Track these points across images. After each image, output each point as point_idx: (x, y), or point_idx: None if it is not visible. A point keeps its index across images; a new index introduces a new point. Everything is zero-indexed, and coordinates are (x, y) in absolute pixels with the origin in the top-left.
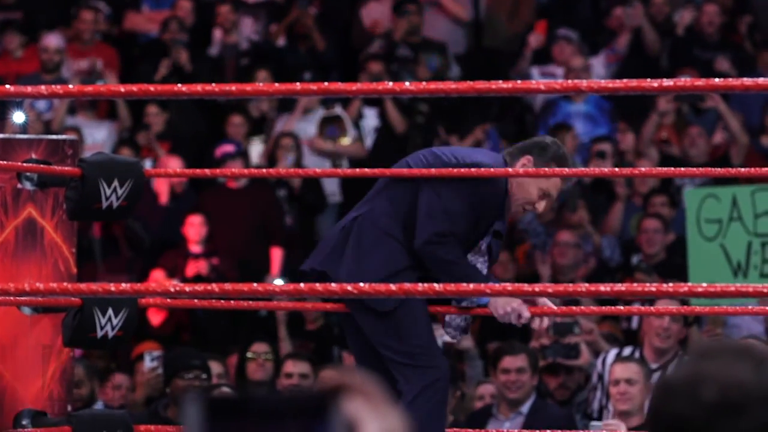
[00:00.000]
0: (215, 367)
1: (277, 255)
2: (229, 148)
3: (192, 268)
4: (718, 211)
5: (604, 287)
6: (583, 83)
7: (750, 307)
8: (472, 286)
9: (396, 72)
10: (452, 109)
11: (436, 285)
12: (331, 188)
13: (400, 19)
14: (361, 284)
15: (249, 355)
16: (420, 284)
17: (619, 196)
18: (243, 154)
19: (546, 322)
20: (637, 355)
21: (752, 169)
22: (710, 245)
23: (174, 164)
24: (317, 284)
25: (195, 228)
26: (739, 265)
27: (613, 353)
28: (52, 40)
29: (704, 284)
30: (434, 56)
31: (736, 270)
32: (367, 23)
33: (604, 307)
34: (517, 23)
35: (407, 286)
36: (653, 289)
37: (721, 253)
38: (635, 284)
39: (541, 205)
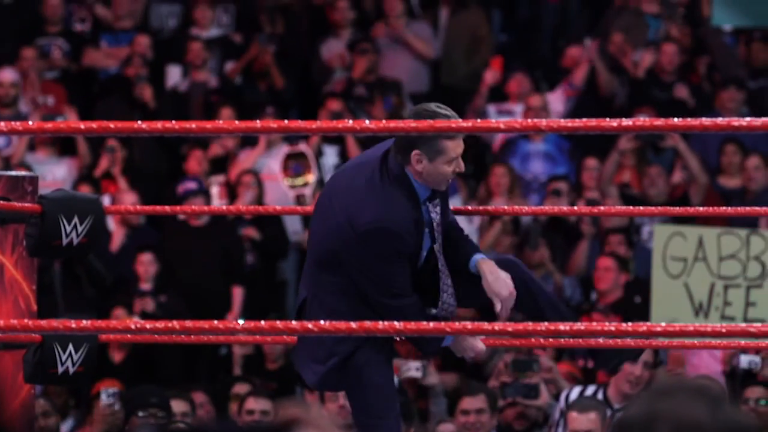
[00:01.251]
0: (179, 405)
1: (238, 294)
2: (191, 185)
3: (137, 306)
4: (684, 249)
5: (563, 326)
6: (543, 122)
7: (709, 341)
8: (432, 325)
9: (353, 110)
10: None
11: (396, 324)
12: (294, 226)
13: (358, 57)
14: (322, 322)
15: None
16: (380, 323)
17: (584, 235)
18: (205, 192)
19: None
20: (600, 395)
21: (710, 208)
22: (674, 282)
23: (130, 200)
24: (278, 322)
25: (144, 266)
26: (701, 305)
27: (576, 391)
28: (7, 75)
29: (663, 323)
30: (390, 95)
31: (697, 310)
32: (326, 59)
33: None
34: (476, 61)
35: (368, 324)
36: (612, 328)
37: (684, 291)
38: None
39: (460, 166)
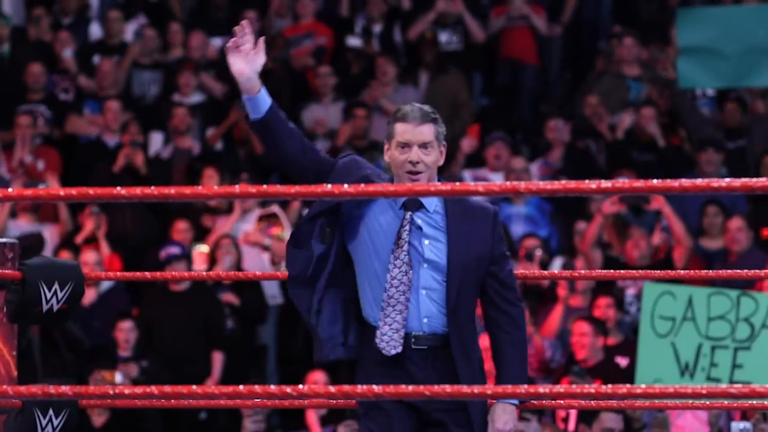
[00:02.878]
0: None
1: (218, 359)
2: (174, 249)
3: (121, 371)
4: (672, 309)
5: (543, 389)
6: (522, 185)
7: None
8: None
9: None
10: None
11: (375, 387)
12: (272, 290)
13: (346, 122)
14: (300, 386)
15: None
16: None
17: (560, 298)
18: (187, 257)
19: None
20: None
21: (692, 271)
22: (661, 341)
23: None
24: (256, 386)
25: (124, 333)
26: (687, 366)
27: None
28: None
29: (644, 385)
30: (379, 159)
31: (683, 370)
32: (308, 124)
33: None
34: (456, 125)
35: (346, 388)
36: (592, 390)
37: (671, 350)
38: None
39: (414, 156)
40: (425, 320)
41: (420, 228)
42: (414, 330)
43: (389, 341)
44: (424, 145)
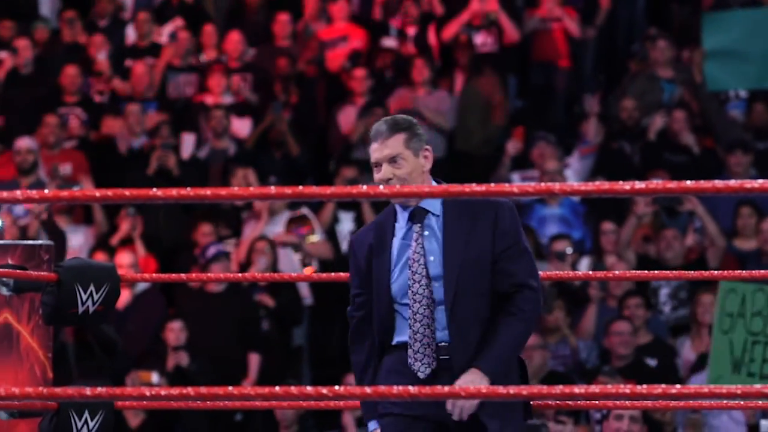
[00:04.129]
0: None
1: (254, 361)
2: (215, 250)
3: (171, 361)
4: (733, 305)
5: (578, 389)
6: (556, 186)
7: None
8: (447, 389)
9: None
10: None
11: (410, 388)
12: (302, 291)
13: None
14: (336, 387)
15: None
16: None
17: (592, 298)
18: (227, 255)
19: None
20: None
21: (725, 271)
22: (723, 338)
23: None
24: (292, 387)
25: (174, 333)
26: (737, 362)
27: None
28: (24, 142)
29: (677, 386)
30: None
31: (734, 367)
32: (343, 128)
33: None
34: (491, 127)
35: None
36: (627, 390)
37: (728, 347)
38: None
39: (383, 175)
40: (446, 332)
41: (428, 235)
42: (439, 343)
43: (422, 358)
44: (393, 160)
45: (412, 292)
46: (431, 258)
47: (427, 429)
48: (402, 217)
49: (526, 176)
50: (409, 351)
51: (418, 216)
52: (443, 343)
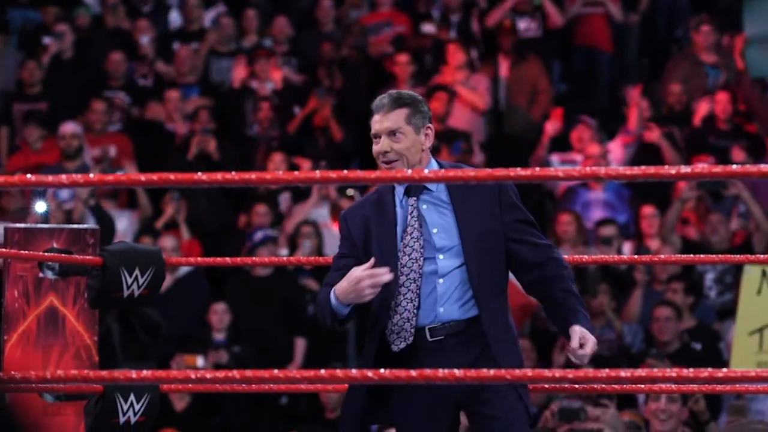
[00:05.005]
0: None
1: (300, 345)
2: (263, 234)
3: (211, 358)
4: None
5: (624, 373)
6: (602, 170)
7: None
8: (492, 372)
9: None
10: None
11: (456, 372)
12: None
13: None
14: (382, 371)
15: None
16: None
17: (638, 282)
18: (274, 240)
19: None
20: None
21: None
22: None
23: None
24: (337, 371)
25: (218, 315)
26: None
27: None
28: (69, 127)
29: (724, 369)
30: (459, 142)
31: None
32: None
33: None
34: (536, 111)
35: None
36: (673, 374)
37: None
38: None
39: (381, 147)
40: (441, 309)
41: (427, 209)
42: (428, 322)
43: (399, 332)
44: (392, 133)
45: (401, 264)
46: (434, 230)
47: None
48: (399, 191)
49: (566, 158)
50: (389, 322)
51: (413, 190)
52: (438, 324)
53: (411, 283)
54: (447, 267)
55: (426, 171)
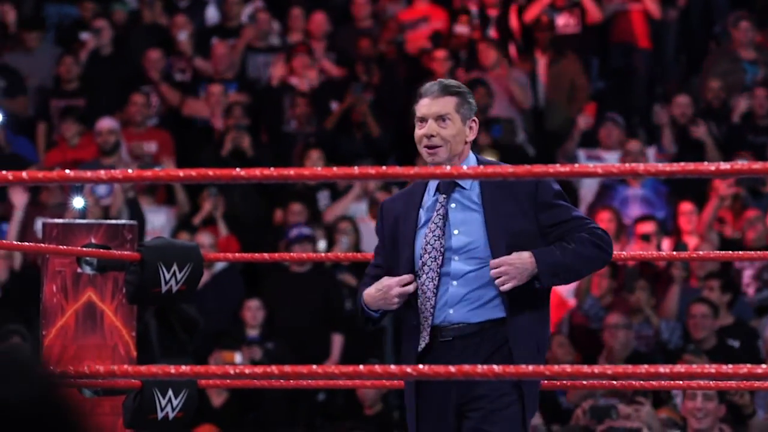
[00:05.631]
0: None
1: (337, 341)
2: (302, 230)
3: (246, 354)
4: None
5: (663, 368)
6: (640, 167)
7: None
8: (531, 368)
9: None
10: None
11: (496, 368)
12: None
13: None
14: (421, 366)
15: None
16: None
17: (675, 278)
18: (312, 239)
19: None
20: None
21: None
22: None
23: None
24: (376, 366)
25: (252, 312)
26: None
27: None
28: (106, 123)
29: (763, 366)
30: (499, 125)
31: None
32: None
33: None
34: (574, 108)
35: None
36: (712, 370)
37: None
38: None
39: (428, 130)
40: (451, 311)
41: (455, 208)
42: (438, 323)
43: (421, 331)
44: (441, 118)
45: (422, 262)
46: (455, 231)
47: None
48: (432, 187)
49: (591, 155)
50: (412, 321)
51: (444, 187)
52: (449, 324)
53: (429, 282)
54: (462, 269)
55: (464, 167)
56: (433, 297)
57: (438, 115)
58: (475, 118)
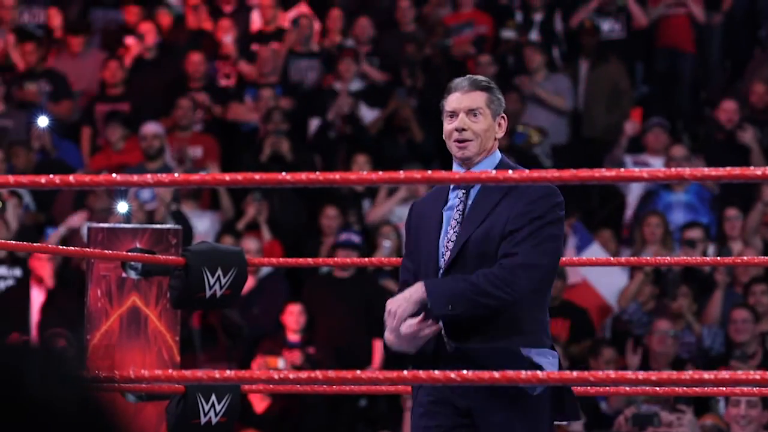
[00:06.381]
0: None
1: (379, 347)
2: (351, 237)
3: (287, 359)
4: None
5: (707, 375)
6: (686, 171)
7: None
8: (576, 374)
9: None
10: None
11: (539, 373)
12: None
13: None
14: (465, 372)
15: None
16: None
17: (719, 284)
18: (359, 248)
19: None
20: None
21: None
22: None
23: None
24: (420, 372)
25: (294, 317)
26: None
27: None
28: (150, 128)
29: None
30: (523, 133)
31: None
32: None
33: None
34: (616, 113)
35: (510, 373)
36: (757, 377)
37: None
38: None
39: (459, 123)
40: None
41: (472, 205)
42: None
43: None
44: (472, 112)
45: (444, 261)
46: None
47: (449, 414)
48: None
49: (638, 160)
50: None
51: (464, 184)
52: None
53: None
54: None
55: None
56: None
57: (469, 109)
58: (503, 114)
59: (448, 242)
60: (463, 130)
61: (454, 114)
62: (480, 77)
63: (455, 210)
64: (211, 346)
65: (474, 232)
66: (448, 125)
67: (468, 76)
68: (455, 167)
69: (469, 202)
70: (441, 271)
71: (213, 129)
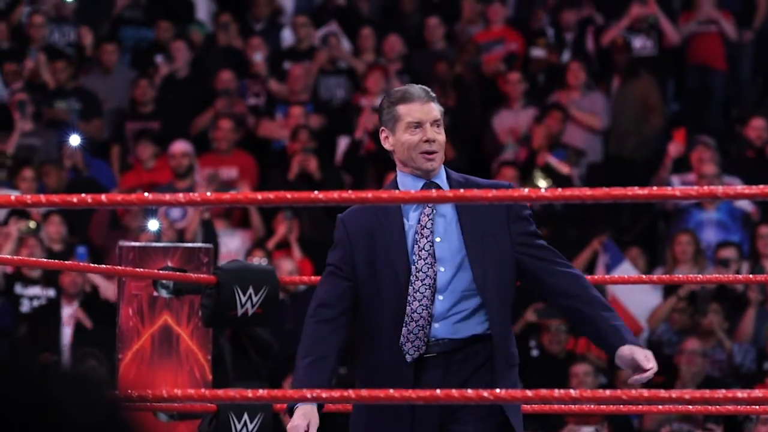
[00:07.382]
0: None
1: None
2: None
3: None
4: None
5: (741, 393)
6: (719, 189)
7: None
8: (608, 392)
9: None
10: (582, 212)
11: (557, 392)
12: None
13: (539, 125)
14: (498, 390)
15: None
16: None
17: (751, 301)
18: None
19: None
20: None
21: None
22: None
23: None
24: (453, 391)
25: None
26: None
27: None
28: (179, 146)
29: None
30: (565, 151)
31: None
32: (499, 131)
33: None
34: (646, 130)
35: (543, 392)
36: None
37: None
38: None
39: (429, 134)
40: (436, 325)
41: (441, 217)
42: (427, 336)
43: (414, 340)
44: (436, 123)
45: (416, 269)
46: (437, 239)
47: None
48: (410, 186)
49: (686, 180)
50: (403, 330)
51: (431, 185)
52: (434, 338)
53: (426, 289)
54: (444, 280)
55: (525, 189)
56: (431, 305)
57: (435, 119)
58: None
59: (420, 251)
60: (433, 141)
61: (419, 125)
62: (426, 88)
63: (426, 218)
64: (242, 363)
65: (469, 242)
66: (411, 136)
67: (414, 85)
68: (410, 179)
69: (434, 210)
70: (437, 277)
71: (246, 147)
